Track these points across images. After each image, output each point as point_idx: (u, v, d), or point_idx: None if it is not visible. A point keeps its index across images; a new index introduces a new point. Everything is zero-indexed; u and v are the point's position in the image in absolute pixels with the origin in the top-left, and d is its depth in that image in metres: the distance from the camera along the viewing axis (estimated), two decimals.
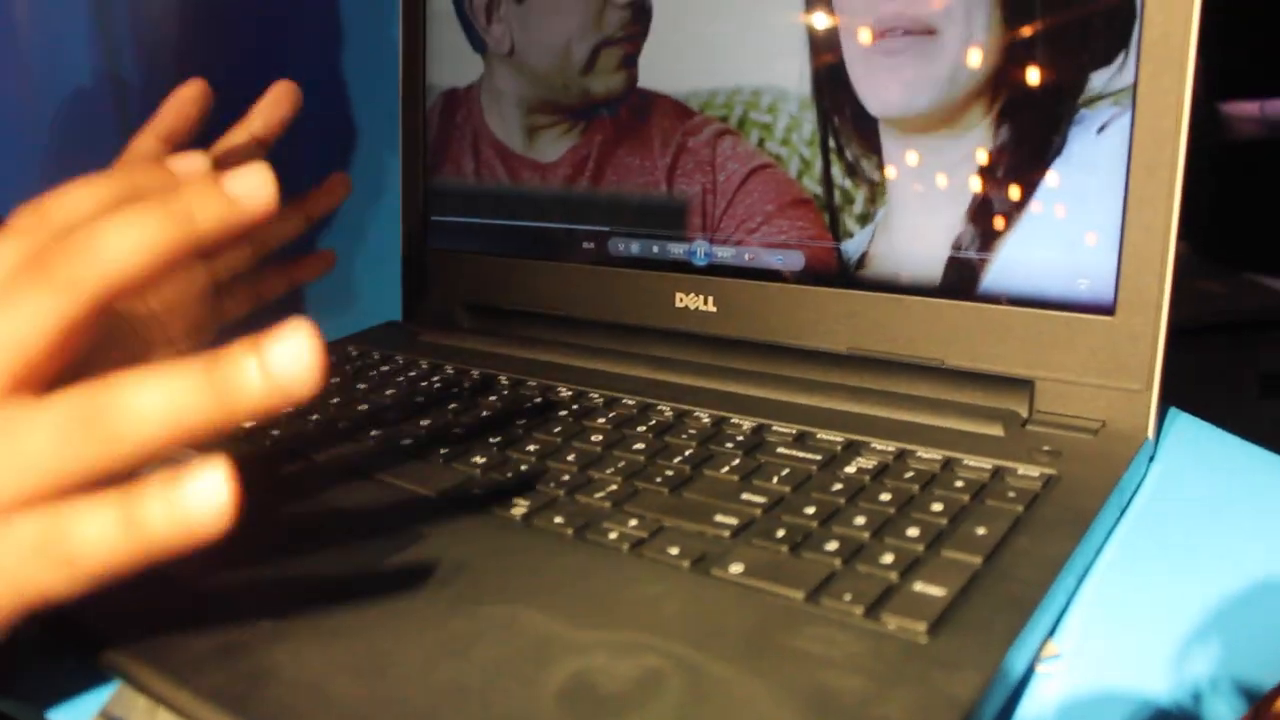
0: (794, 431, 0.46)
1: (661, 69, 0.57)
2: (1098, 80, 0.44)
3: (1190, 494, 0.44)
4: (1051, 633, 0.35)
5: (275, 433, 0.51)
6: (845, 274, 0.51)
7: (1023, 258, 0.47)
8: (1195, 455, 0.47)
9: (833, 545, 0.36)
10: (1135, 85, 0.43)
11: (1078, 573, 0.36)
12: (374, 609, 0.35)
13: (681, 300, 0.56)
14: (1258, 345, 1.13)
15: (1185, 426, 0.50)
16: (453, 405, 0.53)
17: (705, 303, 0.56)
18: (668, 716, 0.28)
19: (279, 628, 0.34)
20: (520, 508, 0.41)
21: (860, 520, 0.38)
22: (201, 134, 0.56)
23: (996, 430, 0.45)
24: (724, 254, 0.55)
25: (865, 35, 0.50)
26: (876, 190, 0.50)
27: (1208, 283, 1.14)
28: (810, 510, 0.39)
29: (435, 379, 0.57)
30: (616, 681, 0.30)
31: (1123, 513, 0.42)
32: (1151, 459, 0.46)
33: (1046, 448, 0.43)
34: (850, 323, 0.51)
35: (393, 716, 0.29)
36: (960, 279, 0.48)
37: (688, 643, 0.31)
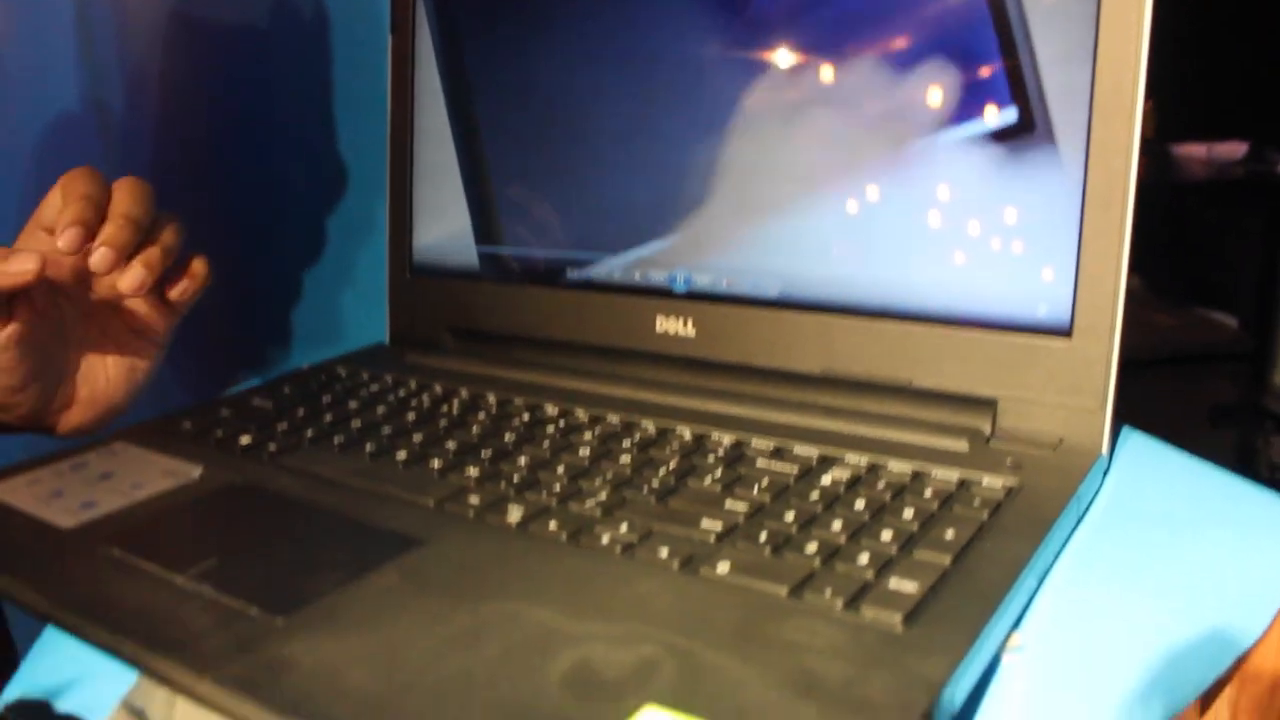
0: (772, 446, 0.49)
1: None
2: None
3: (1142, 504, 0.46)
4: (1015, 626, 0.37)
5: (272, 447, 0.53)
6: (819, 299, 0.54)
7: (985, 285, 0.50)
8: (1147, 469, 0.50)
9: (812, 547, 0.38)
10: (1089, 127, 0.46)
11: (1038, 573, 0.39)
12: (381, 606, 0.37)
13: (662, 325, 0.59)
14: (1206, 377, 1.16)
15: (1138, 442, 0.53)
16: (443, 422, 0.55)
17: (685, 327, 0.58)
18: (665, 697, 0.30)
19: (292, 624, 0.36)
20: (515, 515, 0.43)
21: (837, 525, 0.40)
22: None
23: (962, 446, 0.48)
24: (702, 280, 0.58)
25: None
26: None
27: (1159, 316, 1.18)
28: (790, 516, 0.41)
29: (424, 396, 0.59)
30: (616, 668, 0.32)
31: (1079, 521, 0.45)
32: (1106, 472, 0.48)
33: (1009, 461, 0.46)
34: (823, 345, 0.54)
35: (405, 703, 0.31)
36: (926, 305, 0.51)
37: (680, 633, 0.33)
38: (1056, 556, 0.42)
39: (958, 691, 0.31)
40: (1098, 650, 0.37)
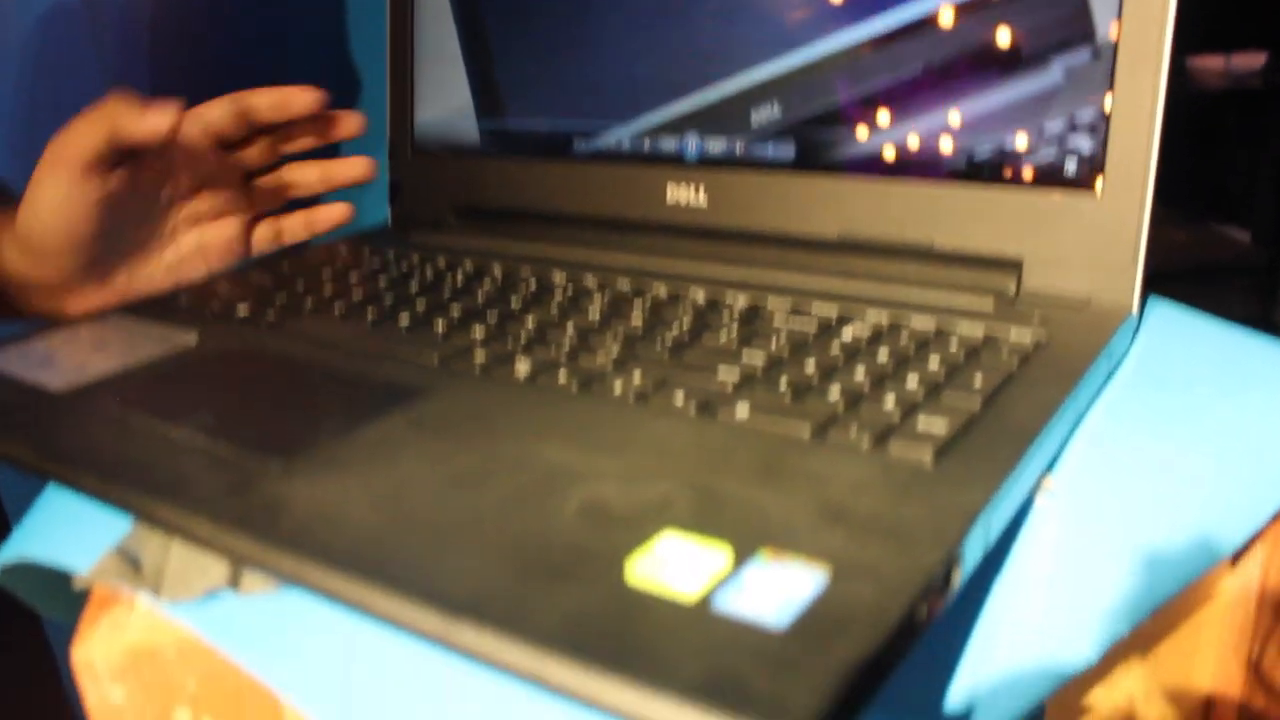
0: (789, 306, 0.47)
1: None
2: None
3: (1173, 362, 0.45)
4: (1048, 470, 0.36)
5: (270, 316, 0.51)
6: (835, 161, 0.52)
7: (1010, 140, 0.47)
8: (1177, 331, 0.48)
9: (835, 393, 0.37)
10: None
11: (1070, 420, 0.37)
12: (383, 450, 0.35)
13: (673, 194, 0.57)
14: (1219, 293, 1.14)
15: (1166, 309, 0.51)
16: (447, 291, 0.53)
17: (697, 195, 0.56)
18: (684, 524, 0.28)
19: (290, 468, 0.34)
20: (523, 369, 0.41)
21: (860, 374, 0.38)
22: None
23: (987, 305, 0.46)
24: (715, 147, 0.56)
25: None
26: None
27: (1173, 232, 1.15)
28: (810, 367, 0.39)
29: (428, 269, 0.57)
30: (632, 502, 0.30)
31: (1109, 377, 0.43)
32: (1135, 334, 0.46)
33: (1036, 318, 0.44)
34: (841, 209, 0.51)
35: (408, 537, 0.30)
36: (948, 162, 0.49)
37: (698, 469, 0.32)
38: (1089, 407, 0.40)
39: (992, 524, 0.30)
40: (1131, 500, 0.35)
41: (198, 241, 0.62)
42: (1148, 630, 0.38)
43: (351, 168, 0.67)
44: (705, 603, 0.25)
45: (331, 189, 0.67)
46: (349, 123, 0.67)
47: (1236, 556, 0.39)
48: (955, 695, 0.31)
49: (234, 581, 0.33)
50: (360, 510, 0.31)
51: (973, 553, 0.28)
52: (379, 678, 0.30)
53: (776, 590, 0.25)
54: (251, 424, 0.39)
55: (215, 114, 0.61)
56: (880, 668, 0.24)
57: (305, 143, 0.66)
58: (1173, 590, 0.34)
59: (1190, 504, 0.35)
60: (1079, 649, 0.32)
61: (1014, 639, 0.32)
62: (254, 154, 0.65)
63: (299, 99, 0.62)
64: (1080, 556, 0.33)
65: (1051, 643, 0.32)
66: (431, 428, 0.36)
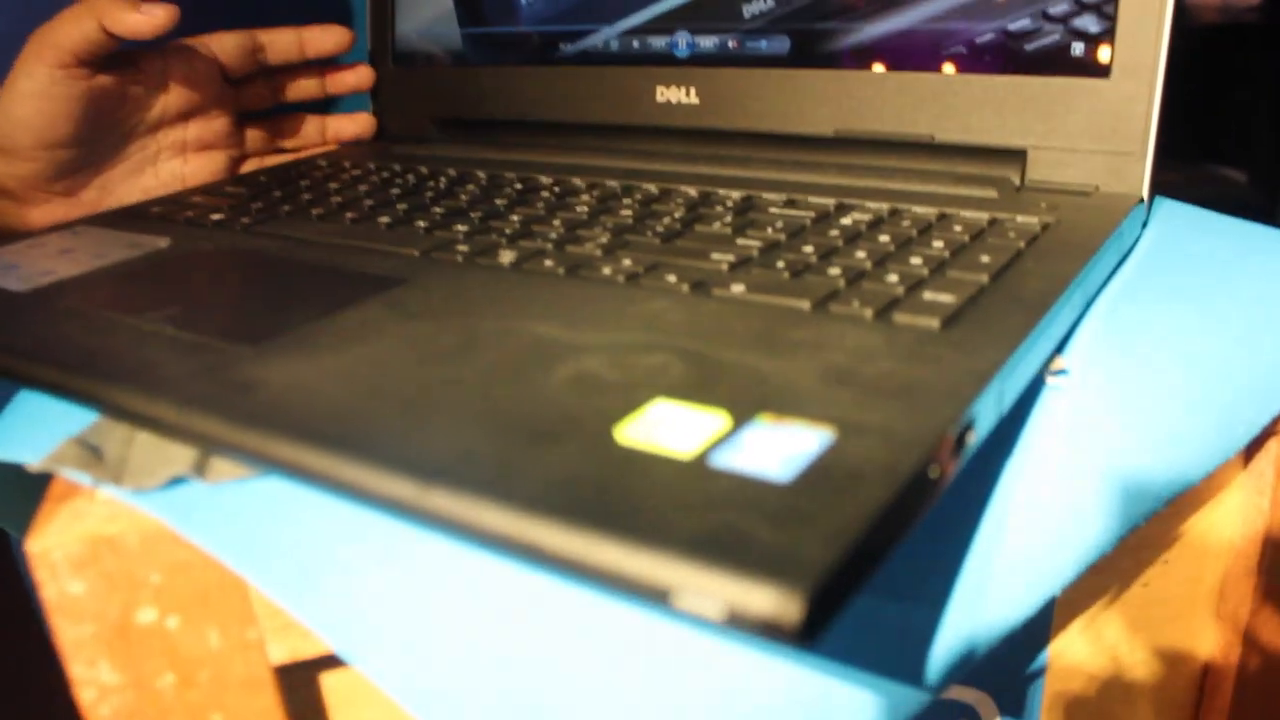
0: (784, 198, 0.44)
1: None
2: None
3: (1186, 249, 0.42)
4: (1060, 349, 0.34)
5: (245, 220, 0.48)
6: (831, 54, 0.49)
7: (1013, 25, 0.45)
8: (1185, 223, 0.46)
9: (835, 271, 0.34)
10: None
11: (1081, 300, 0.35)
12: (361, 332, 0.33)
13: (663, 94, 0.54)
14: None
15: (1174, 207, 0.48)
16: (429, 194, 0.51)
17: (688, 95, 0.53)
18: (677, 392, 0.26)
19: (262, 351, 0.32)
20: (508, 257, 0.39)
21: (861, 254, 0.36)
22: None
23: (990, 194, 0.43)
24: (706, 43, 0.53)
25: None
26: None
27: (1165, 173, 1.13)
28: (809, 249, 0.37)
29: (409, 177, 0.55)
30: (622, 371, 0.28)
31: (1120, 263, 0.41)
32: (1144, 225, 0.44)
33: (1043, 205, 0.41)
34: (837, 104, 0.49)
35: (385, 409, 0.27)
36: (948, 51, 0.46)
37: (693, 339, 0.30)
38: (1099, 291, 0.38)
39: (1006, 391, 0.27)
40: (1145, 382, 0.33)
41: (179, 171, 0.59)
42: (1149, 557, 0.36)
43: (351, 74, 0.64)
44: (702, 459, 0.23)
45: (329, 95, 0.64)
46: (358, 75, 0.64)
47: (1251, 447, 0.37)
48: (964, 584, 0.29)
49: (200, 469, 0.30)
50: (333, 387, 0.29)
51: (986, 417, 0.26)
52: (355, 565, 0.28)
53: (779, 447, 0.23)
54: (222, 314, 0.36)
55: (225, 43, 0.58)
56: (893, 526, 0.22)
57: (310, 90, 0.63)
58: (1190, 479, 0.32)
59: (1205, 388, 0.33)
60: (1093, 536, 0.30)
61: (1025, 525, 0.30)
62: (255, 94, 0.62)
63: (325, 39, 0.60)
64: (1093, 439, 0.31)
65: (1065, 529, 0.30)
66: (411, 310, 0.34)
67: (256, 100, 0.62)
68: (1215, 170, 1.14)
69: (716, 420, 0.25)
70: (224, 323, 0.35)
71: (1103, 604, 0.38)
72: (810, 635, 0.19)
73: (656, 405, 0.26)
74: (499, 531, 0.22)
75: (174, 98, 0.57)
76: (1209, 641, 0.41)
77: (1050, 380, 0.32)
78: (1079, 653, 0.39)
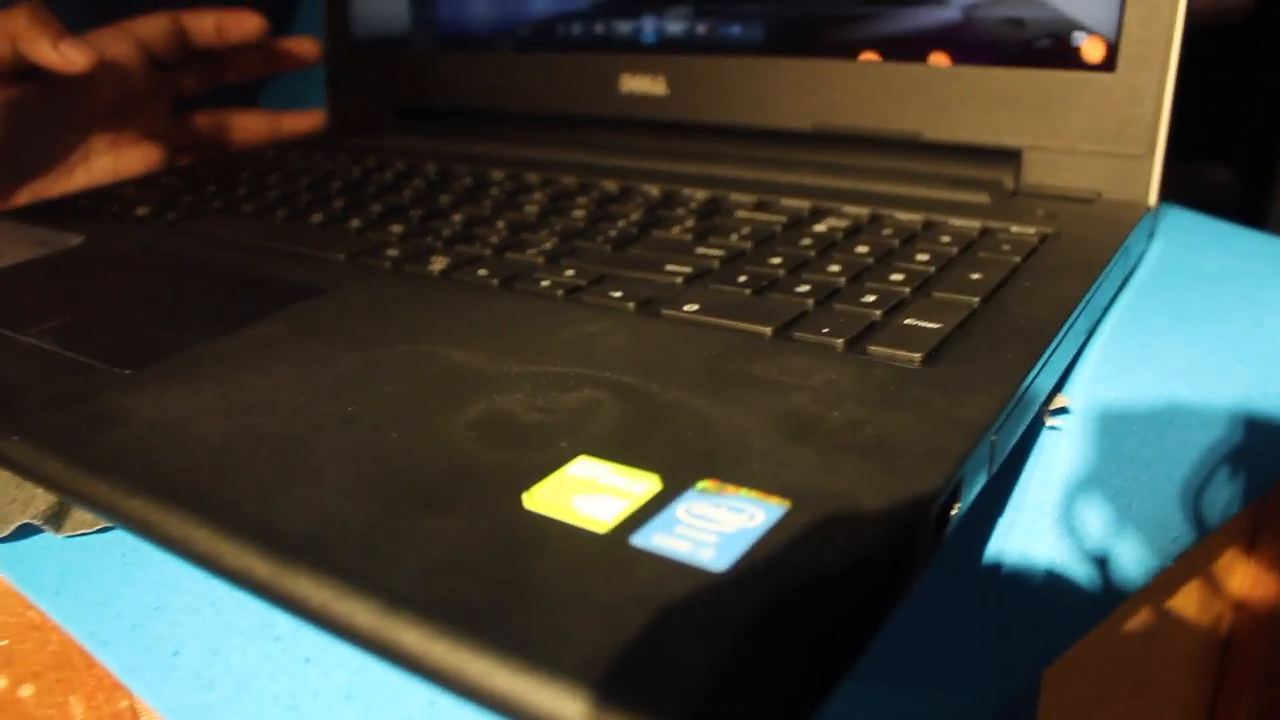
0: (754, 200, 0.39)
1: None
2: None
3: (1195, 269, 0.38)
4: (1059, 386, 0.29)
5: (171, 216, 0.43)
6: (810, 42, 0.44)
7: (1009, 12, 0.40)
8: (1196, 236, 0.41)
9: (804, 289, 0.29)
10: None
11: (1085, 325, 0.30)
12: (256, 356, 0.28)
13: (628, 84, 0.49)
14: None
15: (1181, 215, 0.43)
16: (372, 188, 0.45)
17: (655, 84, 0.48)
18: (605, 446, 0.21)
19: (141, 376, 0.27)
20: (439, 264, 0.34)
21: (834, 268, 0.31)
22: None
23: (981, 199, 0.38)
24: (675, 28, 0.48)
25: None
26: None
27: None
28: (776, 260, 0.32)
29: (355, 169, 0.50)
30: (543, 412, 0.23)
31: (1125, 281, 0.36)
32: (1150, 236, 0.39)
33: (1040, 212, 0.36)
34: (815, 96, 0.44)
35: (257, 452, 0.22)
36: (937, 41, 0.41)
37: (631, 373, 0.24)
38: (1104, 315, 0.33)
39: (999, 442, 0.22)
40: (1158, 425, 0.28)
41: (113, 168, 0.54)
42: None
43: (297, 46, 0.59)
44: (621, 536, 0.18)
45: (275, 70, 0.59)
46: (299, 49, 0.59)
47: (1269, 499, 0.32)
48: (949, 661, 0.24)
49: (58, 518, 0.25)
50: (204, 427, 0.24)
51: (975, 477, 0.21)
52: (217, 642, 0.23)
53: (717, 523, 0.18)
54: (111, 329, 0.31)
55: (149, 29, 0.52)
56: (853, 632, 0.17)
57: (248, 70, 0.58)
58: (1204, 532, 0.27)
59: (1225, 430, 0.28)
60: (1096, 602, 0.25)
61: (1019, 591, 0.25)
62: (189, 79, 0.56)
63: (241, 24, 0.54)
64: (1097, 490, 0.26)
65: (1064, 595, 0.25)
66: (318, 329, 0.29)
67: (193, 84, 0.56)
68: (1205, 169, 1.09)
69: (645, 484, 0.19)
70: (109, 340, 0.30)
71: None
72: None
73: (577, 463, 0.21)
74: (358, 627, 0.17)
75: (101, 93, 0.51)
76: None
77: (1049, 421, 0.27)
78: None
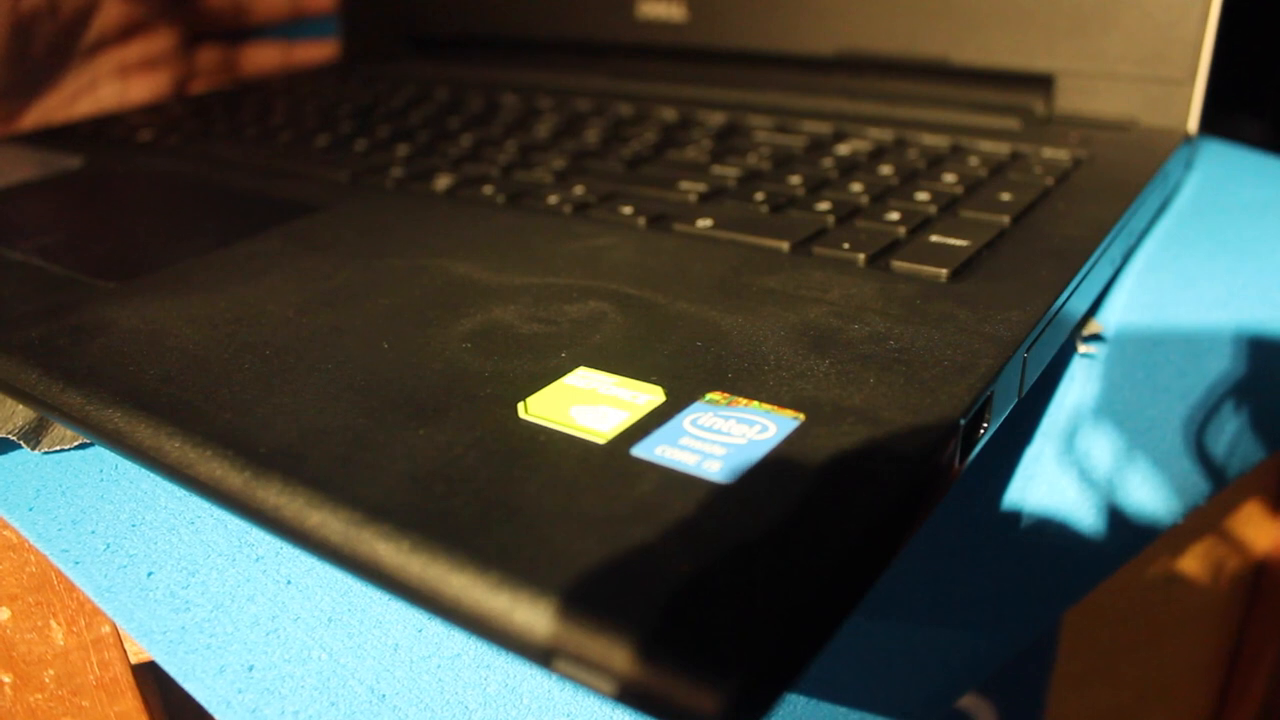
0: (774, 123, 0.37)
1: None
2: None
3: (1234, 198, 0.35)
4: (1093, 311, 0.27)
5: (174, 140, 0.41)
6: None
7: None
8: (1235, 167, 0.38)
9: (824, 206, 0.27)
10: None
11: (1119, 252, 0.28)
12: (247, 268, 0.26)
13: (646, 8, 0.47)
14: None
15: (1220, 147, 0.41)
16: (380, 112, 0.44)
17: (673, 8, 0.46)
18: (604, 357, 0.19)
19: (127, 289, 0.25)
20: (444, 182, 0.32)
21: (857, 188, 0.29)
22: None
23: (1012, 124, 0.36)
24: None
25: None
26: None
27: None
28: (795, 180, 0.30)
29: (365, 95, 0.48)
30: (543, 324, 0.21)
31: (1161, 210, 0.34)
32: (1187, 166, 0.37)
33: (1073, 137, 0.34)
34: (839, 20, 0.42)
35: (239, 363, 0.21)
36: None
37: (639, 286, 0.23)
38: (1139, 242, 0.31)
39: (1031, 362, 0.20)
40: (1192, 356, 0.26)
41: (119, 96, 0.52)
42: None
43: None
44: (622, 446, 0.16)
45: (301, 14, 0.57)
46: None
47: None
48: (969, 599, 0.23)
49: (35, 433, 0.24)
50: (187, 338, 0.22)
51: (1004, 399, 0.19)
52: (192, 563, 0.22)
53: (725, 435, 0.16)
54: (103, 245, 0.30)
55: None
56: (869, 556, 0.15)
57: (278, 8, 0.56)
58: (1237, 471, 0.25)
59: (1264, 364, 0.26)
60: (1121, 543, 0.24)
61: (1043, 529, 0.24)
62: (212, 12, 0.54)
63: None
64: (1127, 424, 0.25)
65: (1090, 534, 0.24)
66: (314, 244, 0.27)
67: (213, 20, 0.54)
68: (1235, 114, 1.05)
69: (648, 396, 0.18)
70: (100, 255, 0.28)
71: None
72: None
73: (577, 374, 0.19)
74: (331, 541, 0.15)
75: (111, 14, 0.49)
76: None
77: (1082, 349, 0.25)
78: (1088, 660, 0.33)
